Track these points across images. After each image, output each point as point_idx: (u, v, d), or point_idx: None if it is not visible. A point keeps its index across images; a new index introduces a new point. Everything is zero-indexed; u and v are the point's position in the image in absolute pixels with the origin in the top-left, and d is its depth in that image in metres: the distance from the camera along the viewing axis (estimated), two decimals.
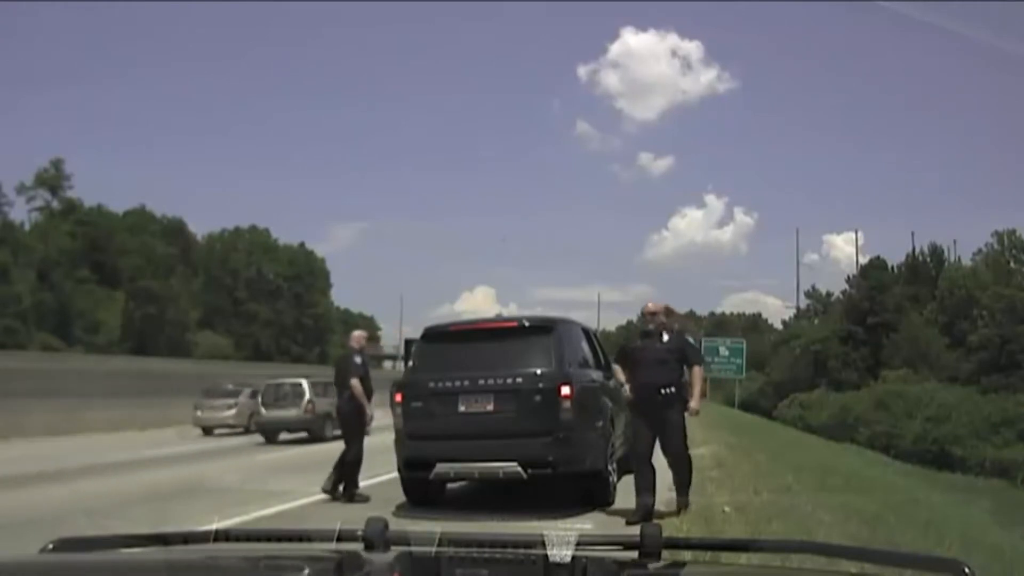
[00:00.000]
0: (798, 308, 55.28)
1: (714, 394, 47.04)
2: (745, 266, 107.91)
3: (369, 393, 9.06)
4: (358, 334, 9.84)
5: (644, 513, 6.60)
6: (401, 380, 8.57)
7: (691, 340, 8.06)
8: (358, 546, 1.51)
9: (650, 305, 7.65)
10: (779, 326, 61.87)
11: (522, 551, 1.49)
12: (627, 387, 7.37)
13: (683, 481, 7.47)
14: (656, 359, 7.28)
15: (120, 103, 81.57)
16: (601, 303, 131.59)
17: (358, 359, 9.11)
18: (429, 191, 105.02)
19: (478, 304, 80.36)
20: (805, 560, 1.73)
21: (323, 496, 8.85)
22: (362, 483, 9.58)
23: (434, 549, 1.44)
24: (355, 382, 8.85)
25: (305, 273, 64.91)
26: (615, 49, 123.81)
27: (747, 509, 7.40)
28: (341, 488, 8.91)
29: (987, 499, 15.69)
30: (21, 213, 52.00)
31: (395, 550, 1.51)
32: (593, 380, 8.53)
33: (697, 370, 7.56)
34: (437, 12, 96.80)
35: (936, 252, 48.16)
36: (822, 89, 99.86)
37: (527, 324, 8.29)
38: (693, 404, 7.38)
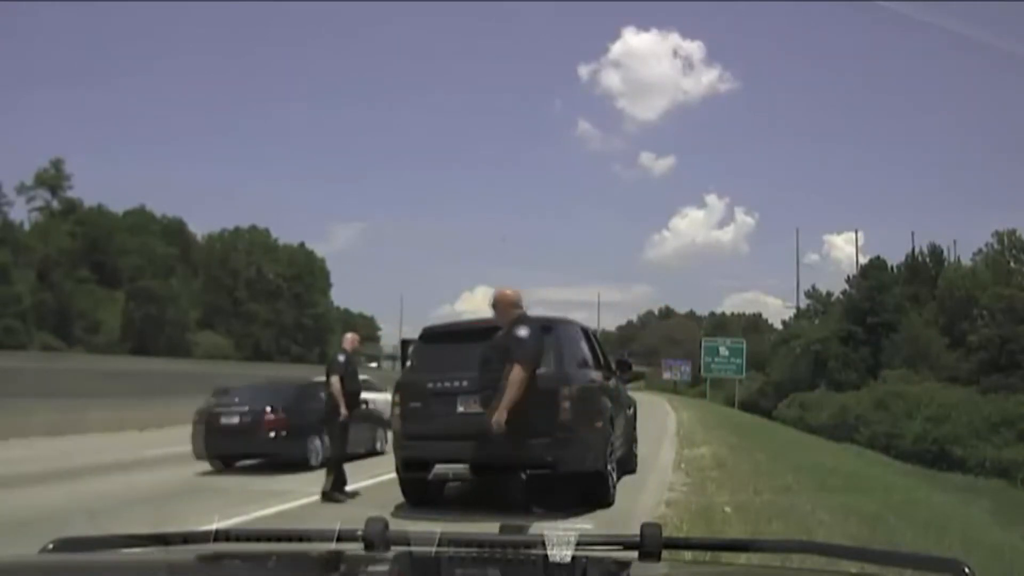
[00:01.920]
0: (798, 308, 55.40)
1: (714, 394, 47.09)
2: (745, 266, 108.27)
3: (353, 394, 9.12)
4: (349, 337, 9.94)
5: None
6: (399, 380, 8.58)
7: (524, 333, 6.11)
8: (358, 546, 1.51)
9: (508, 292, 6.41)
10: (779, 326, 61.95)
11: (522, 551, 1.49)
12: None
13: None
14: (483, 358, 6.34)
15: (120, 103, 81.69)
16: (601, 303, 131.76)
17: (341, 357, 9.21)
18: (429, 191, 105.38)
19: (478, 304, 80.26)
20: (805, 560, 1.73)
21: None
22: (362, 483, 9.59)
23: (434, 549, 1.44)
24: (334, 380, 8.94)
25: (305, 273, 64.91)
26: (616, 49, 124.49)
27: (747, 509, 7.40)
28: (344, 487, 8.94)
29: (987, 499, 15.70)
30: (21, 213, 52.14)
31: (395, 550, 1.51)
32: (593, 380, 8.52)
33: (516, 369, 5.92)
34: (437, 12, 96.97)
35: (936, 252, 48.22)
36: (822, 89, 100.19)
37: None
38: (495, 415, 5.91)
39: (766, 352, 52.02)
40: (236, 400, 12.64)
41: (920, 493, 12.78)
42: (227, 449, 12.04)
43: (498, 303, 6.33)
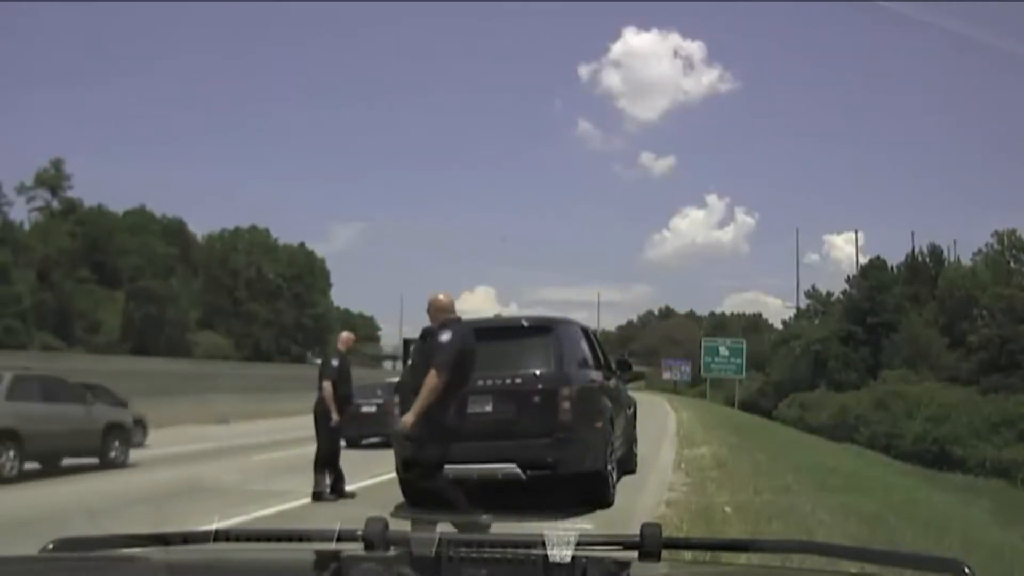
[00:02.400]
0: (798, 308, 55.41)
1: (714, 394, 47.07)
2: (746, 266, 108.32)
3: (345, 396, 9.10)
4: (344, 336, 9.92)
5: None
6: (400, 380, 8.56)
7: (444, 338, 5.99)
8: (358, 546, 1.51)
9: (440, 296, 6.34)
10: (779, 326, 61.99)
11: (522, 551, 1.49)
12: None
13: None
14: (413, 362, 6.26)
15: (120, 103, 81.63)
16: (601, 303, 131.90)
17: (335, 362, 9.16)
18: (429, 191, 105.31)
19: (478, 304, 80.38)
20: (805, 560, 1.73)
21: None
22: (362, 483, 9.59)
23: (434, 549, 1.44)
24: (326, 385, 8.94)
25: (305, 273, 64.90)
26: (617, 49, 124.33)
27: (747, 509, 7.40)
28: (343, 486, 8.95)
29: (987, 499, 15.71)
30: (21, 213, 52.08)
31: (395, 550, 1.51)
32: (593, 380, 8.53)
33: (430, 374, 5.82)
34: (437, 12, 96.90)
35: (936, 252, 48.24)
36: (822, 89, 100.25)
37: (527, 324, 8.28)
38: (406, 416, 5.97)
39: (766, 352, 52.02)
40: (375, 393, 15.81)
41: (920, 493, 12.77)
42: (364, 431, 15.10)
43: (430, 308, 6.31)
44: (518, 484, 7.48)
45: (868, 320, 41.16)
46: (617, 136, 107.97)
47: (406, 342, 10.53)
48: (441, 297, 6.35)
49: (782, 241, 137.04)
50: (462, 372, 6.07)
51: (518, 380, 7.60)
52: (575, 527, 1.44)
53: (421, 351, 8.05)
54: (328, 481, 8.90)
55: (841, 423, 31.62)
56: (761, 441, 18.25)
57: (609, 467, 8.05)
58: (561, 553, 1.37)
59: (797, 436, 26.33)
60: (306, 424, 9.37)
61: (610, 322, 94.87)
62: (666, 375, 65.89)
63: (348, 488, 9.04)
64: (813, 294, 54.66)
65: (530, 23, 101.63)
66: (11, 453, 11.20)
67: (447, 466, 7.60)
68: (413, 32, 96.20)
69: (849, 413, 32.22)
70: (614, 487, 8.11)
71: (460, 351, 5.98)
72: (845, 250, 70.88)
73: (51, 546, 1.56)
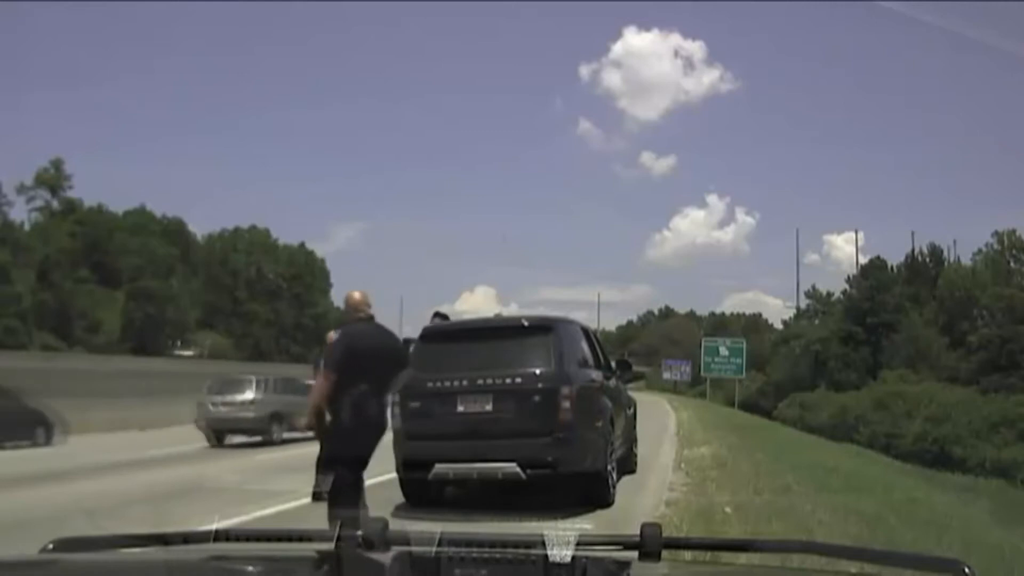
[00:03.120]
0: (798, 308, 55.42)
1: (714, 394, 47.06)
2: (746, 266, 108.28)
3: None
4: (332, 335, 9.85)
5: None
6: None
7: (332, 338, 6.12)
8: (358, 546, 1.51)
9: (355, 295, 6.21)
10: (779, 326, 62.04)
11: (522, 551, 1.49)
12: None
13: None
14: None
15: (120, 103, 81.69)
16: (601, 303, 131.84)
17: (323, 363, 9.10)
18: (429, 191, 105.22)
19: (478, 304, 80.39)
20: (805, 560, 1.73)
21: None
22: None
23: (434, 549, 1.44)
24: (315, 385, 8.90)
25: (305, 273, 64.93)
26: (617, 48, 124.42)
27: (747, 509, 7.40)
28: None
29: (987, 499, 15.70)
30: (21, 213, 52.11)
31: (395, 550, 1.51)
32: (593, 380, 8.52)
33: (319, 375, 5.91)
34: (437, 12, 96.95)
35: (936, 252, 48.26)
36: (823, 89, 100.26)
37: (527, 324, 8.28)
38: (304, 418, 5.85)
39: (766, 352, 52.02)
40: None
41: (920, 493, 12.75)
42: None
43: (345, 304, 6.26)
44: (518, 483, 7.49)
45: (868, 320, 41.17)
46: (617, 136, 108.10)
47: (406, 341, 10.50)
48: (356, 295, 6.24)
49: (782, 241, 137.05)
50: (363, 370, 5.93)
51: (518, 379, 7.60)
52: (575, 527, 1.44)
53: (421, 352, 8.06)
54: (329, 481, 8.88)
55: (841, 423, 31.61)
56: (761, 441, 18.24)
57: (609, 467, 8.05)
58: (561, 553, 1.37)
59: (797, 436, 26.31)
60: None
61: (610, 322, 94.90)
62: (666, 375, 65.84)
63: None
64: (813, 294, 54.72)
65: (530, 23, 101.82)
66: (280, 427, 16.87)
67: (443, 465, 7.64)
68: (413, 32, 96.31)
69: (849, 413, 32.21)
70: (614, 487, 8.11)
71: (350, 351, 5.87)
72: (845, 250, 71.05)
73: (51, 546, 1.56)
